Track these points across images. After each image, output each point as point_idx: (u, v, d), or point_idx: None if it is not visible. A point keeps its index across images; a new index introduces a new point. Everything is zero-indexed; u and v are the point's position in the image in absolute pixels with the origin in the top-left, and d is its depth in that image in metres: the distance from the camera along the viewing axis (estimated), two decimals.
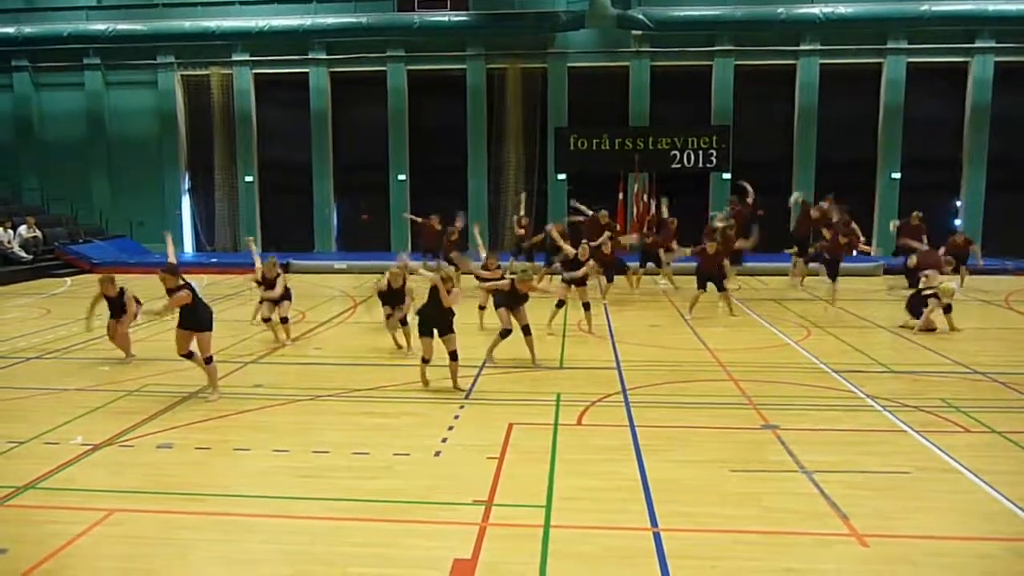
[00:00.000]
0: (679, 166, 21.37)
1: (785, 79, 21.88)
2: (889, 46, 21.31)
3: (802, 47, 21.51)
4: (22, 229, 19.53)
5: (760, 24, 21.09)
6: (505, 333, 9.46)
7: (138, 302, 9.91)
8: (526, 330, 9.51)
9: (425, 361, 8.31)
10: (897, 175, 21.70)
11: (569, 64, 22.15)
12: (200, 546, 4.82)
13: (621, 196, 20.26)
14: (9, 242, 19.10)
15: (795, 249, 16.18)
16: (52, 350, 10.57)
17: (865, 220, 22.04)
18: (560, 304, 11.43)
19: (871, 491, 5.55)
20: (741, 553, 4.67)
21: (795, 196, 17.30)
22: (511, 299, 9.51)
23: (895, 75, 21.39)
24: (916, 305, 11.45)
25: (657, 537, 4.85)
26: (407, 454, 6.35)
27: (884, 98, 21.61)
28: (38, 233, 19.88)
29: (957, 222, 21.76)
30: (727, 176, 21.46)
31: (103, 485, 5.80)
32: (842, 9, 20.50)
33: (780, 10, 20.63)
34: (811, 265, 15.42)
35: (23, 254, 19.16)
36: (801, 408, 7.65)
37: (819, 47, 21.45)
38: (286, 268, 19.61)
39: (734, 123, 21.60)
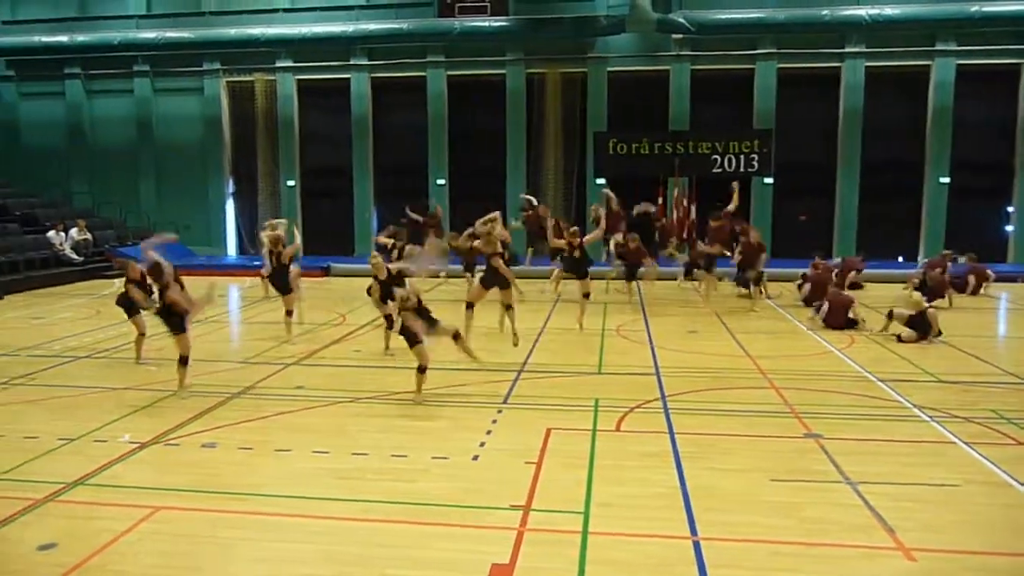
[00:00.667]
0: (720, 171, 21.04)
1: (829, 82, 21.47)
2: (938, 48, 20.78)
3: (847, 49, 21.07)
4: (73, 232, 20.09)
5: (804, 26, 20.70)
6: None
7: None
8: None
9: (421, 370, 8.02)
10: (946, 179, 21.12)
11: (609, 68, 22.04)
12: (242, 545, 4.90)
13: (661, 201, 20.09)
14: (61, 244, 19.67)
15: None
16: (101, 350, 10.86)
17: (912, 226, 21.70)
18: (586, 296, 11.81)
19: (918, 504, 5.42)
20: (782, 564, 4.59)
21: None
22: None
23: (944, 77, 20.83)
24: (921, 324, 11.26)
25: (696, 546, 4.80)
26: (445, 457, 6.38)
27: (932, 101, 21.03)
28: (88, 236, 20.43)
29: (1009, 228, 21.15)
30: (769, 180, 21.17)
31: (149, 483, 5.93)
32: (889, 10, 20.02)
33: (824, 12, 20.25)
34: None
35: (74, 256, 19.71)
36: (845, 417, 7.50)
37: (865, 49, 21.00)
38: (326, 271, 19.94)
39: (776, 127, 21.26)
